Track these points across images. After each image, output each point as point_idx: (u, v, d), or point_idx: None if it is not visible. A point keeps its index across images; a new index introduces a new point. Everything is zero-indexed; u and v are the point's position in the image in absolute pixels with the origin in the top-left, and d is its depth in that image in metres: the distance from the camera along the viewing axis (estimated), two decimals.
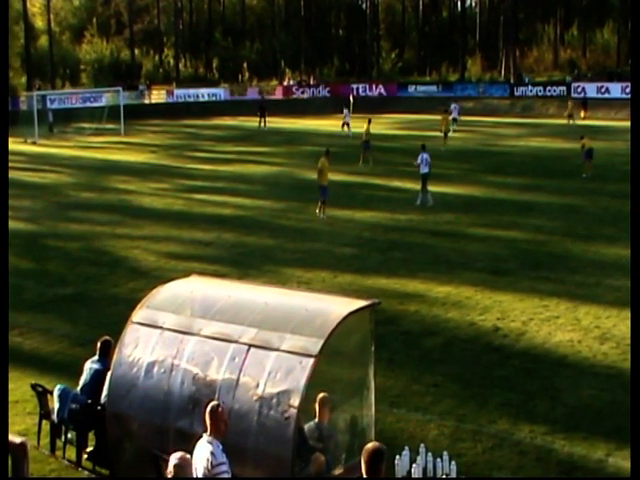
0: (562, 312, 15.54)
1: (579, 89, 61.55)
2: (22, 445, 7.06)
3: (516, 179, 31.05)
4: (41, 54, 76.14)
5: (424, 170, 26.21)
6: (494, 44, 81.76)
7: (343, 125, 48.11)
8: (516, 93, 65.57)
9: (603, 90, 59.64)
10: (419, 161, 26.33)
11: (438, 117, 43.87)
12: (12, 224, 24.49)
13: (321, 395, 8.87)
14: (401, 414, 11.32)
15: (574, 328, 14.67)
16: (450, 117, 45.31)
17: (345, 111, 48.76)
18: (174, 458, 6.79)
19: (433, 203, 25.86)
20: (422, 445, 9.44)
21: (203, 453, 7.14)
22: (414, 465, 9.15)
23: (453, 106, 50.45)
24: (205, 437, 7.22)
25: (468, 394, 12.04)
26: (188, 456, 6.91)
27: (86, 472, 9.89)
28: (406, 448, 9.36)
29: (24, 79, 70.42)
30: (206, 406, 7.43)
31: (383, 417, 10.77)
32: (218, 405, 7.30)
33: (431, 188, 26.34)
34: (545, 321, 15.06)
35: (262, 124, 52.52)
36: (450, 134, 42.34)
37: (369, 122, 36.16)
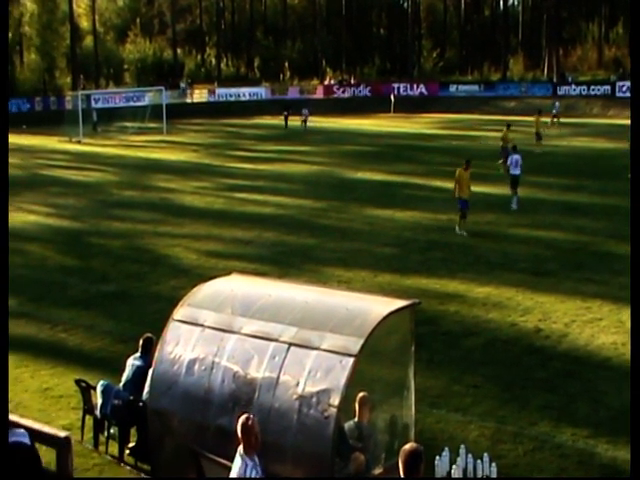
0: (605, 314, 15.34)
1: (624, 88, 60.66)
2: (66, 439, 7.16)
3: (558, 179, 30.70)
4: (86, 54, 77.24)
5: (515, 172, 25.36)
6: (537, 43, 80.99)
7: (304, 121, 51.84)
8: (559, 92, 64.82)
9: None
10: (509, 162, 25.64)
11: (531, 118, 41.34)
12: (57, 222, 24.96)
13: (361, 394, 8.87)
14: (441, 415, 11.26)
15: (617, 330, 14.46)
16: (543, 118, 42.31)
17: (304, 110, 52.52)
18: None
19: (517, 207, 24.98)
20: (462, 446, 9.40)
21: (235, 467, 7.11)
22: (454, 466, 9.12)
23: (557, 104, 50.88)
24: (239, 451, 7.12)
25: (509, 395, 11.94)
26: None
27: (128, 467, 10.01)
28: (446, 449, 9.33)
29: (69, 79, 71.45)
30: (243, 407, 7.39)
31: (423, 417, 10.74)
32: (248, 418, 7.17)
33: (474, 188, 26.07)
34: (588, 323, 14.88)
35: (287, 124, 52.99)
36: (546, 132, 40.01)
37: (507, 127, 33.73)
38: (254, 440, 7.14)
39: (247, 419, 7.16)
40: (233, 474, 7.10)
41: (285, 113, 53.25)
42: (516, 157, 25.65)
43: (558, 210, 25.06)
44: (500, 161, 32.21)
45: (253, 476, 7.04)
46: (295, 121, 52.59)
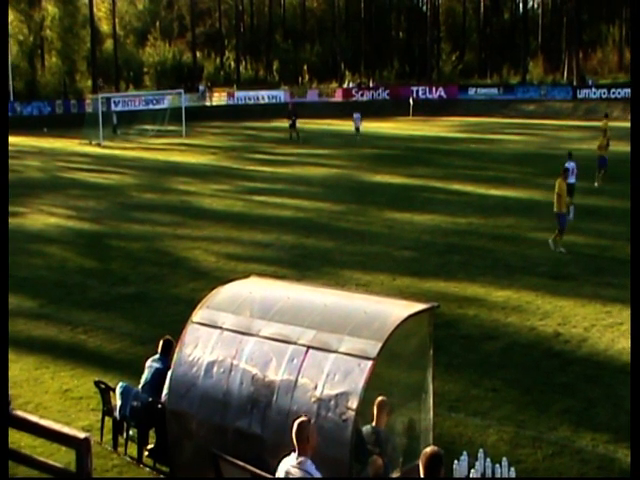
0: (625, 318, 15.18)
1: None
2: (86, 441, 7.17)
3: (578, 183, 30.46)
4: (106, 57, 77.79)
5: (570, 180, 23.83)
6: (557, 46, 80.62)
7: (357, 128, 47.52)
8: (579, 96, 64.50)
9: None
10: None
11: (599, 123, 39.41)
12: (77, 224, 25.10)
13: (379, 398, 8.86)
14: (459, 418, 11.23)
15: None
16: (610, 122, 38.27)
17: (355, 115, 47.96)
18: None
19: (573, 218, 23.03)
20: (481, 450, 9.36)
21: (295, 474, 6.90)
22: (472, 470, 9.08)
23: None
24: (294, 457, 6.91)
25: (528, 400, 11.89)
26: None
27: (147, 469, 10.05)
28: (464, 453, 9.29)
29: (90, 82, 71.95)
30: (261, 410, 7.24)
31: (441, 421, 10.71)
32: (309, 421, 6.99)
33: (493, 192, 25.95)
34: (608, 327, 14.78)
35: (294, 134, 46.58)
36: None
37: (604, 133, 30.68)
38: (313, 443, 6.96)
39: (307, 422, 6.99)
40: (297, 475, 6.88)
41: (291, 121, 46.36)
42: (572, 165, 24.51)
43: (578, 214, 24.86)
44: (602, 172, 30.22)
45: (320, 475, 6.93)
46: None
